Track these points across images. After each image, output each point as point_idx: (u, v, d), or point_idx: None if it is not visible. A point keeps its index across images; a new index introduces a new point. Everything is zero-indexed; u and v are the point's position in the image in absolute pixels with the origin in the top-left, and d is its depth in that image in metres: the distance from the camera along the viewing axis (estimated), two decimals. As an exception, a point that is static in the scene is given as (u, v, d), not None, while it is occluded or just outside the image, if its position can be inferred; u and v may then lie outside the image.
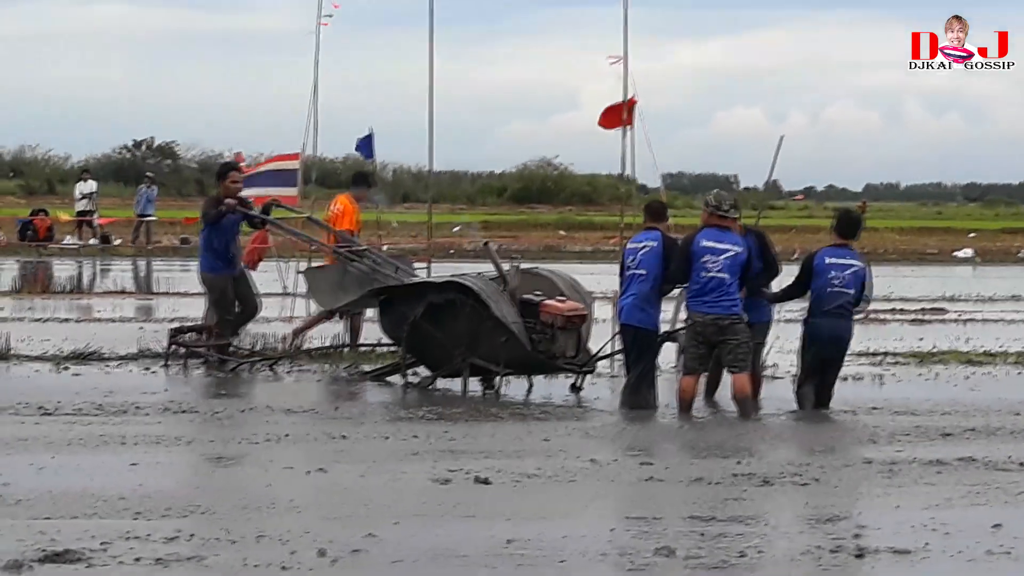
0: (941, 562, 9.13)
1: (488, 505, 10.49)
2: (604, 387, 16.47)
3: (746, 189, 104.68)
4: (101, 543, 8.87)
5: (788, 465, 12.13)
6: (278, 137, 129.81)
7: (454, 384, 16.62)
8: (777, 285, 15.98)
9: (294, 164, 25.73)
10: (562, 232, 60.47)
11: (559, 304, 16.00)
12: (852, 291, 15.11)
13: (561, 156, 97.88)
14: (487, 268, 16.72)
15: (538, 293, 16.22)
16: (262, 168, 26.32)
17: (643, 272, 15.06)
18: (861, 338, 17.59)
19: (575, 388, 16.39)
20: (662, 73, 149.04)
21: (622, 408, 15.14)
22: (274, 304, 26.38)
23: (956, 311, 27.94)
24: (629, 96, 21.99)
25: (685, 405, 14.85)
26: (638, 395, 15.08)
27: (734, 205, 14.99)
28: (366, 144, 29.82)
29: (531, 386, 16.56)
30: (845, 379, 16.29)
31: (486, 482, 11.15)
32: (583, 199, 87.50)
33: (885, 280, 28.01)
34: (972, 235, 61.83)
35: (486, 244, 17.84)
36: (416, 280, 17.14)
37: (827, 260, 15.22)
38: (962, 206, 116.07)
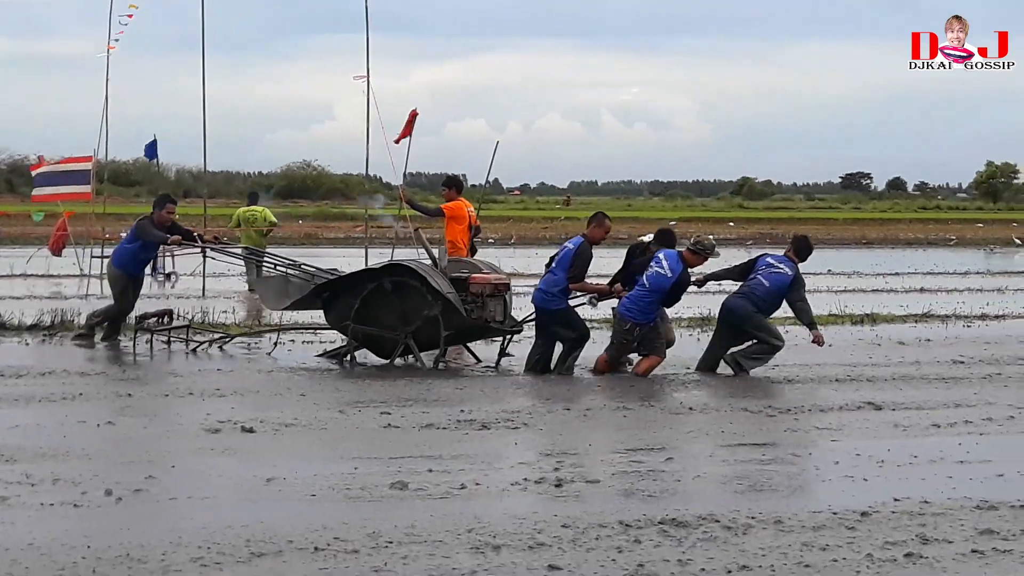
0: (602, 489, 9.26)
1: (252, 449, 10.39)
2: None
3: (473, 186, 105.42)
4: (-85, 489, 8.62)
5: (503, 413, 12.24)
6: (76, 142, 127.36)
7: (213, 348, 16.52)
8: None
9: (87, 165, 25.25)
10: (304, 222, 60.07)
11: (486, 275, 15.87)
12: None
13: (319, 159, 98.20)
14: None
15: (464, 271, 15.99)
16: (57, 168, 25.76)
17: (555, 266, 15.60)
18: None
19: (503, 353, 16.19)
20: (403, 90, 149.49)
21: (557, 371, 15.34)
22: (73, 284, 25.79)
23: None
24: (411, 109, 22.09)
25: (597, 371, 15.25)
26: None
27: (704, 248, 15.43)
28: (151, 148, 29.34)
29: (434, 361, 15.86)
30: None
31: (251, 431, 11.06)
32: (338, 194, 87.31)
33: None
34: (673, 223, 62.65)
35: (416, 231, 17.48)
36: (354, 270, 16.37)
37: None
38: (648, 199, 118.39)
